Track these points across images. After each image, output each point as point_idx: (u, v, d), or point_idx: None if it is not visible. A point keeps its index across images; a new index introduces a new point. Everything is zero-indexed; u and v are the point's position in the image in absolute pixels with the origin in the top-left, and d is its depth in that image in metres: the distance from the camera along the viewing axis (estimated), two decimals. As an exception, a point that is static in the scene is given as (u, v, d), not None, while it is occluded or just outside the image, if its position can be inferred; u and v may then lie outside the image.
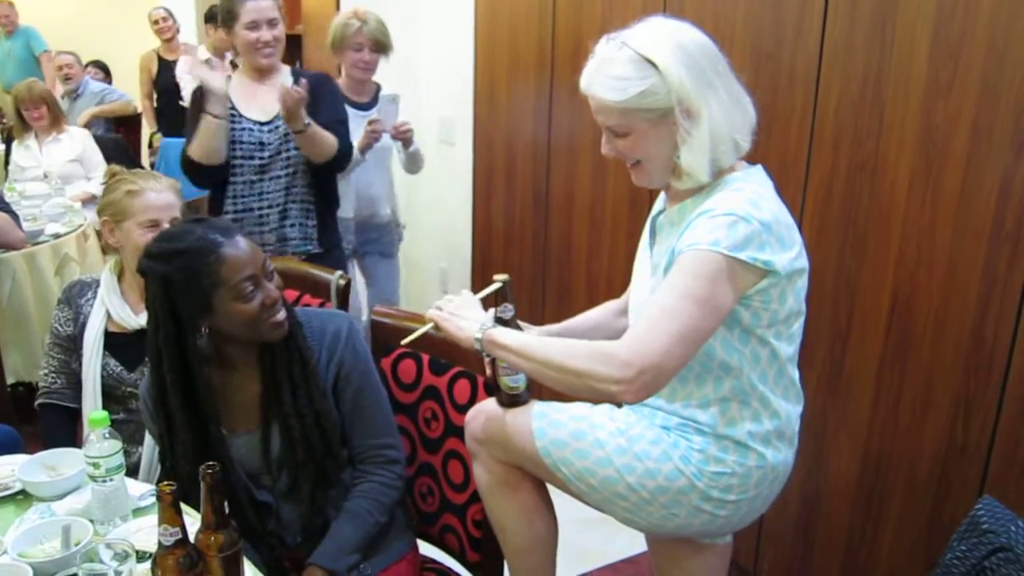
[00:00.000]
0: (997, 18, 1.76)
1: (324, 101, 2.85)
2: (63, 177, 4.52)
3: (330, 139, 2.78)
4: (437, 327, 1.67)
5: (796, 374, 1.66)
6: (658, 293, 1.47)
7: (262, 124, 2.82)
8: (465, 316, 1.63)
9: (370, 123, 3.08)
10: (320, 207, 2.92)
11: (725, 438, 1.59)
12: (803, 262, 1.55)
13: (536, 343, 1.53)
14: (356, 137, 3.06)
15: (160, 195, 2.11)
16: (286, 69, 2.93)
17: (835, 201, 2.14)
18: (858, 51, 2.05)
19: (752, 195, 1.49)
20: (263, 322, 1.63)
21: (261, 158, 2.81)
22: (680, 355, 1.42)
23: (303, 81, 2.69)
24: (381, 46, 3.26)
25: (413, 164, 3.46)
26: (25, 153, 4.58)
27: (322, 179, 2.90)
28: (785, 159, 2.24)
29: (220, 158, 2.76)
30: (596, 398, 1.49)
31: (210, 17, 5.27)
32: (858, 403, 2.16)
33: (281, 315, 1.66)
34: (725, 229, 1.44)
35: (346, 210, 3.27)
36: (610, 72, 1.51)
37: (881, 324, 2.08)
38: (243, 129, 2.82)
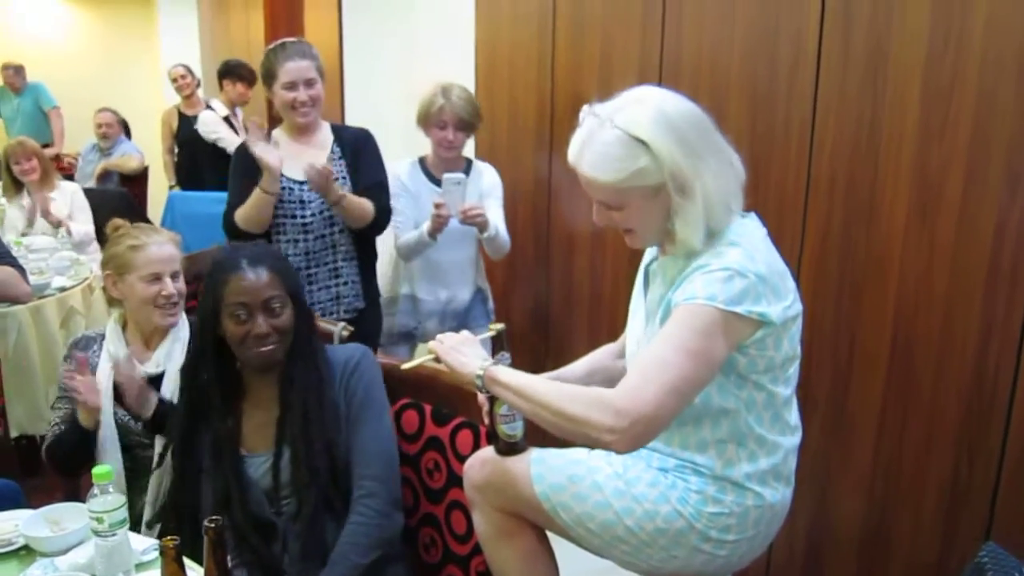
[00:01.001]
0: (986, 61, 1.80)
1: (364, 160, 2.84)
2: (57, 224, 4.55)
3: (367, 207, 2.75)
4: (438, 359, 1.68)
5: (793, 413, 1.66)
6: (653, 344, 1.48)
7: (303, 183, 2.76)
8: (466, 352, 1.64)
9: (436, 206, 2.87)
10: (364, 261, 2.91)
11: (723, 479, 1.59)
12: (797, 308, 1.57)
13: (535, 384, 1.54)
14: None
15: (161, 248, 2.17)
16: (326, 126, 2.90)
17: (832, 246, 2.16)
18: (851, 97, 2.08)
19: (747, 248, 1.51)
20: (248, 348, 1.80)
21: (303, 217, 2.78)
22: (673, 407, 1.43)
23: (328, 157, 2.71)
24: (466, 124, 3.05)
25: (492, 249, 3.09)
26: (20, 213, 4.60)
27: (363, 234, 2.86)
28: (782, 205, 2.26)
29: (265, 227, 2.79)
30: (590, 444, 1.50)
31: (225, 72, 5.36)
32: (861, 445, 2.16)
33: (267, 349, 1.79)
34: (721, 284, 1.46)
35: (421, 291, 3.15)
36: (600, 151, 1.51)
37: (882, 366, 2.08)
38: (284, 188, 2.77)
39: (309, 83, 2.74)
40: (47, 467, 2.19)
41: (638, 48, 2.74)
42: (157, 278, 2.13)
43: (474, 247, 3.17)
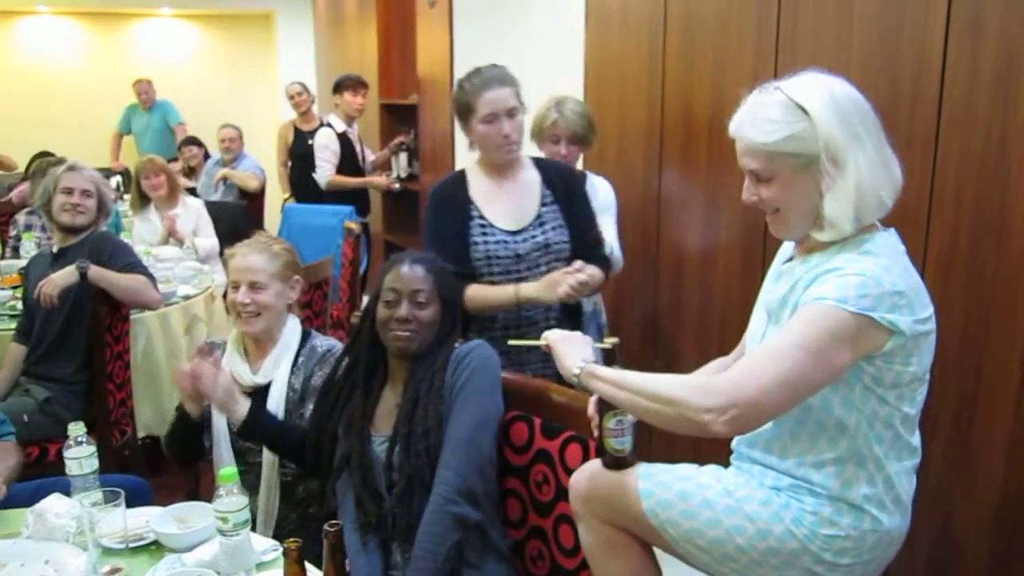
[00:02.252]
0: None
1: (577, 199, 2.54)
2: (183, 239, 4.77)
3: (600, 275, 2.42)
4: (549, 347, 1.76)
5: (916, 435, 1.60)
6: (774, 337, 1.47)
7: (515, 234, 2.46)
8: (575, 346, 1.71)
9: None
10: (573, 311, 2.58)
11: (840, 500, 1.54)
12: (931, 326, 1.52)
13: (633, 375, 1.54)
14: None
15: (245, 258, 2.26)
16: (528, 161, 2.57)
17: (958, 265, 2.08)
18: (979, 110, 2.00)
19: (884, 261, 1.48)
20: (389, 330, 1.96)
21: (518, 272, 2.44)
22: (778, 399, 1.40)
23: (540, 199, 2.45)
24: (579, 138, 2.95)
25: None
26: (146, 226, 4.85)
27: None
28: (904, 223, 2.16)
29: None
30: (687, 431, 1.46)
31: (338, 86, 5.54)
32: (987, 473, 2.06)
33: (403, 335, 1.94)
34: (855, 288, 1.43)
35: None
36: (761, 115, 1.53)
37: (1011, 393, 1.98)
38: (498, 242, 2.44)
39: (511, 113, 2.42)
40: (167, 459, 2.33)
41: (752, 59, 2.70)
42: (235, 287, 2.23)
43: None
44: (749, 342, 1.75)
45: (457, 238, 2.43)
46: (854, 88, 1.54)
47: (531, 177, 2.52)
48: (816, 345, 1.41)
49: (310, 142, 5.75)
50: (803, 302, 1.48)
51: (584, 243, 2.49)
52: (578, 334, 1.78)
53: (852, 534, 1.54)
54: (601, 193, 3.03)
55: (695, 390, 1.43)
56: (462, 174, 2.57)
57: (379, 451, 1.96)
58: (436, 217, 2.52)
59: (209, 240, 4.79)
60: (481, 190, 2.50)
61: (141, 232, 4.83)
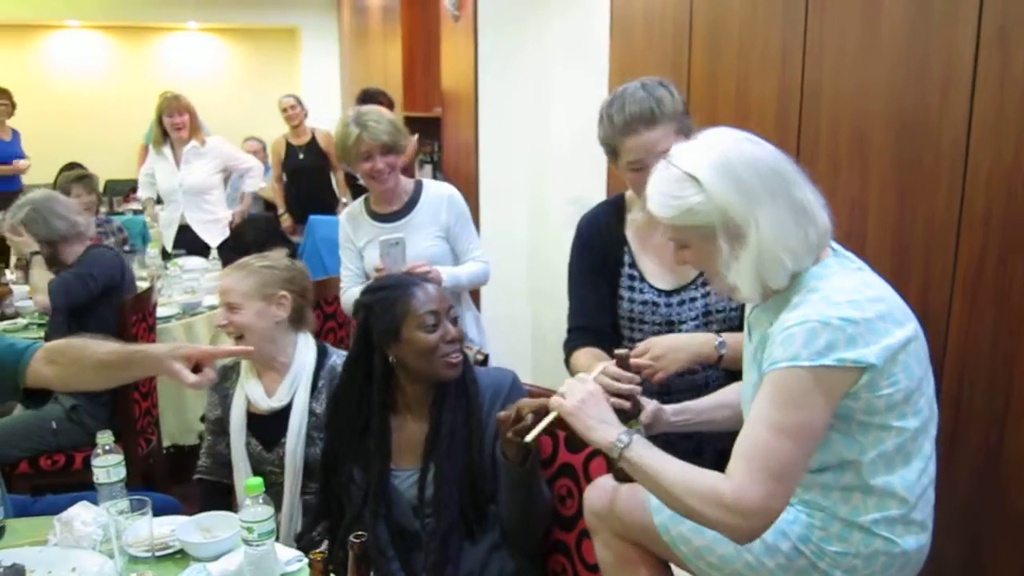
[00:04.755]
0: None
1: None
2: (201, 188, 4.86)
3: None
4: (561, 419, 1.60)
5: (929, 442, 1.56)
6: (749, 425, 1.44)
7: (669, 294, 2.08)
8: (593, 415, 1.55)
9: (376, 269, 2.65)
10: None
11: (848, 522, 1.52)
12: (904, 334, 1.46)
13: (660, 467, 1.47)
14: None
15: (224, 280, 2.28)
16: None
17: (987, 279, 2.05)
18: (1010, 121, 1.98)
19: (827, 292, 1.45)
20: (440, 356, 1.85)
21: (668, 329, 2.07)
22: (784, 492, 1.40)
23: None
24: (391, 147, 2.74)
25: (464, 290, 2.90)
26: (163, 163, 4.89)
27: None
28: (931, 240, 2.16)
29: None
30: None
31: (363, 99, 5.57)
32: (1018, 491, 2.02)
33: (457, 356, 1.86)
34: (802, 339, 1.40)
35: None
36: (659, 189, 1.53)
37: (1043, 409, 1.95)
38: (645, 303, 2.08)
39: (663, 156, 1.83)
40: (198, 495, 2.32)
41: (777, 74, 2.69)
42: (225, 307, 2.23)
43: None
44: (745, 392, 1.69)
45: (602, 286, 2.09)
46: (758, 143, 1.52)
47: None
48: (790, 423, 1.39)
49: (301, 156, 5.80)
50: (764, 368, 1.46)
51: None
52: (588, 391, 1.57)
53: (863, 552, 1.51)
54: (446, 206, 2.84)
55: (712, 505, 1.39)
56: (620, 201, 2.16)
57: (404, 487, 1.90)
58: (580, 255, 2.18)
59: (249, 162, 4.99)
60: (636, 230, 2.11)
61: (156, 169, 4.91)
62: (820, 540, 1.52)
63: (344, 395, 1.96)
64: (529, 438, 1.65)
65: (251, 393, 2.24)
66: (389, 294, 1.90)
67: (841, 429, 1.48)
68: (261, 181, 5.47)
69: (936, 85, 2.15)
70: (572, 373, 2.08)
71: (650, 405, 1.77)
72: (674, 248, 1.60)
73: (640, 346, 1.91)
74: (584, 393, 1.57)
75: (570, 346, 2.15)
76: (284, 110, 6.12)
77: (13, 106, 6.51)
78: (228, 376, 2.31)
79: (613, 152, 2.02)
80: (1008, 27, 1.97)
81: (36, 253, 3.19)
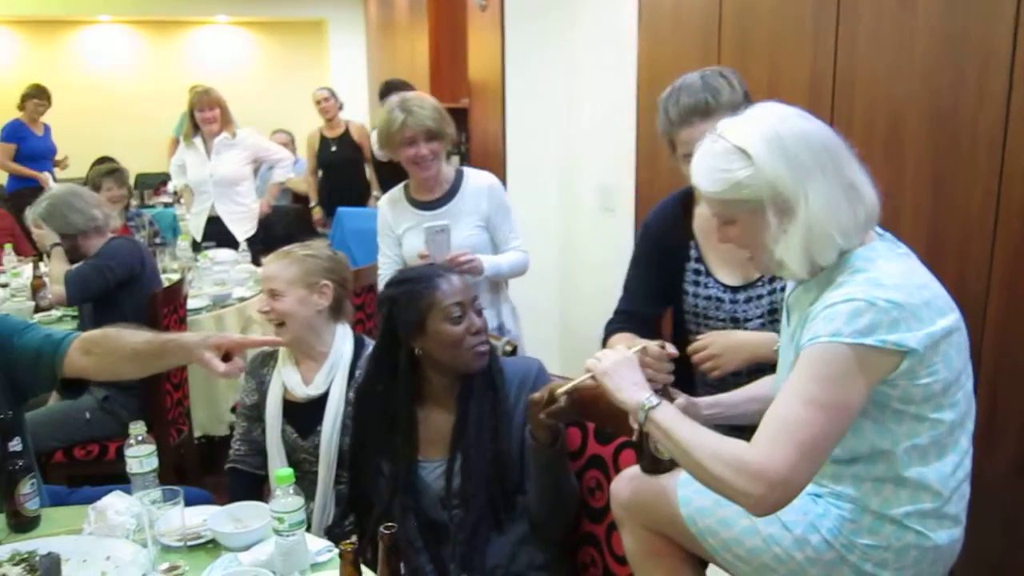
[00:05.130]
0: None
1: None
2: (231, 180, 4.88)
3: None
4: (594, 378, 1.65)
5: (965, 436, 1.53)
6: (782, 396, 1.42)
7: (736, 290, 2.04)
8: (625, 377, 1.60)
9: (420, 256, 2.61)
10: None
11: (879, 515, 1.50)
12: (947, 324, 1.44)
13: (686, 432, 1.48)
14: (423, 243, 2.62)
15: (265, 268, 2.30)
16: None
17: (1026, 270, 2.01)
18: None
19: (873, 273, 1.43)
20: (467, 347, 1.86)
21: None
22: (808, 468, 1.37)
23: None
24: (435, 133, 2.71)
25: (504, 280, 2.90)
26: (193, 155, 4.93)
27: None
28: (967, 228, 2.13)
29: None
30: (727, 499, 1.45)
31: (386, 91, 5.57)
32: (1058, 488, 1.99)
33: (483, 347, 1.86)
34: (845, 317, 1.38)
35: None
36: (708, 163, 1.51)
37: (1083, 402, 1.92)
38: (709, 298, 2.05)
39: None
40: (228, 483, 2.34)
41: (809, 62, 2.65)
42: (268, 293, 2.24)
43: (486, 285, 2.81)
44: (778, 380, 1.69)
45: (663, 278, 2.07)
46: (807, 118, 1.50)
47: None
48: (825, 397, 1.37)
49: (334, 149, 5.80)
50: (801, 344, 1.44)
51: None
52: (622, 355, 1.63)
53: (894, 545, 1.49)
54: (485, 195, 2.82)
55: (735, 470, 1.38)
56: (688, 194, 2.12)
57: (431, 478, 1.91)
58: (642, 244, 2.16)
59: (280, 153, 5.06)
60: (703, 223, 2.06)
61: (187, 159, 4.95)
62: (850, 533, 1.50)
63: (370, 389, 1.97)
64: (561, 391, 1.70)
65: (288, 380, 2.25)
66: (413, 287, 1.90)
67: (875, 417, 1.46)
68: (291, 172, 5.48)
69: (973, 75, 2.11)
70: None
71: (680, 397, 1.76)
72: (718, 225, 1.58)
73: (701, 340, 1.92)
74: (620, 357, 1.62)
75: (610, 328, 2.15)
76: (318, 102, 6.12)
77: (49, 104, 6.60)
78: (265, 363, 2.33)
79: (671, 144, 2.00)
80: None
81: (56, 245, 3.24)
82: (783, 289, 1.96)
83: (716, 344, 1.93)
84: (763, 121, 1.49)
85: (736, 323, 2.02)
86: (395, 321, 1.90)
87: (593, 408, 1.92)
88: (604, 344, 2.15)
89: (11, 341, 1.96)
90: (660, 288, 2.12)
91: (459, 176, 2.85)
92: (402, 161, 2.75)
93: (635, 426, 1.67)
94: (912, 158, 2.25)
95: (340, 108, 6.22)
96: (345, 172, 6.10)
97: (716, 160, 1.49)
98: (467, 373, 1.89)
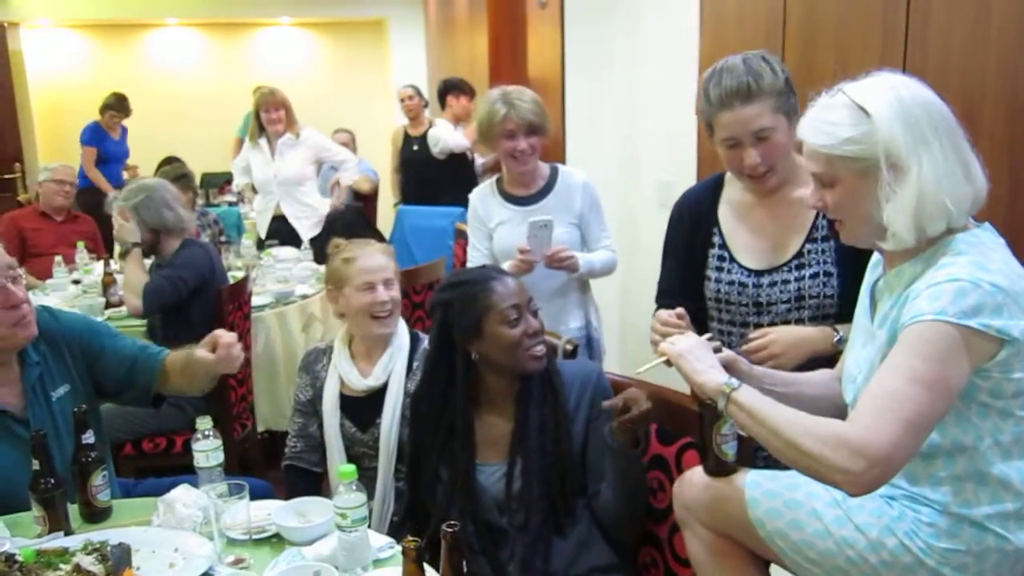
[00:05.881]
0: None
1: None
2: (295, 180, 4.95)
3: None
4: (669, 362, 1.63)
5: None
6: (883, 373, 1.39)
7: (759, 275, 1.98)
8: (701, 359, 1.59)
9: (520, 251, 2.57)
10: None
11: (959, 516, 1.45)
12: None
13: (771, 409, 1.46)
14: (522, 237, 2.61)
15: (372, 259, 2.28)
16: (805, 174, 1.74)
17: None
18: None
19: (978, 257, 1.39)
20: (524, 350, 1.84)
21: (759, 325, 1.99)
22: (910, 445, 1.33)
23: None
24: (536, 128, 2.70)
25: (594, 278, 2.91)
26: (258, 156, 5.02)
27: None
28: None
29: None
30: (819, 480, 1.41)
31: (445, 89, 5.60)
32: None
33: (541, 349, 1.85)
34: (951, 296, 1.35)
35: None
36: (822, 117, 1.48)
37: None
38: (731, 283, 2.01)
39: (762, 136, 1.87)
40: (286, 480, 2.36)
41: (878, 55, 2.58)
42: (371, 287, 2.23)
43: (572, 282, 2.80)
44: (848, 365, 1.66)
45: (689, 264, 2.07)
46: (927, 89, 1.47)
47: (806, 196, 1.86)
48: (930, 375, 1.33)
49: (415, 147, 5.82)
50: (902, 323, 1.40)
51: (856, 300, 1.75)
52: (695, 339, 1.65)
53: (974, 548, 1.45)
54: (579, 193, 2.80)
55: (832, 446, 1.34)
56: (719, 181, 2.12)
57: (489, 482, 1.90)
58: (672, 231, 2.17)
59: (343, 154, 5.12)
60: (732, 208, 2.06)
61: (251, 159, 5.04)
62: (928, 536, 1.46)
63: (427, 394, 1.96)
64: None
65: (346, 374, 2.26)
66: (469, 290, 1.88)
67: (959, 410, 1.42)
68: (356, 173, 5.52)
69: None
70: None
71: (724, 351, 1.71)
72: (814, 188, 1.55)
73: (760, 341, 1.87)
74: (694, 340, 1.63)
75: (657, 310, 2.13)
76: (402, 100, 6.14)
77: (125, 115, 6.79)
78: (319, 359, 2.35)
79: (710, 128, 1.97)
80: None
81: (137, 245, 3.26)
82: (813, 276, 1.94)
83: (778, 342, 1.87)
84: (885, 82, 1.47)
85: (759, 307, 1.98)
86: (451, 325, 1.89)
87: (656, 406, 1.90)
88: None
89: (103, 346, 2.06)
90: (687, 273, 2.11)
91: (554, 172, 2.84)
92: (500, 154, 2.75)
93: (706, 424, 1.63)
94: (987, 150, 2.15)
95: (425, 106, 6.23)
96: (427, 170, 6.11)
97: (831, 114, 1.47)
98: (525, 376, 1.88)
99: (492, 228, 2.82)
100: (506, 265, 2.53)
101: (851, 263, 1.83)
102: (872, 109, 1.43)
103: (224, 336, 1.94)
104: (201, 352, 1.95)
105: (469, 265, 2.81)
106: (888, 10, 2.51)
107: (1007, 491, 1.44)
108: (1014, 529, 1.46)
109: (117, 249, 3.88)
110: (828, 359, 1.85)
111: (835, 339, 1.86)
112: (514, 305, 1.85)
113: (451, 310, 1.88)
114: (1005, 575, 1.49)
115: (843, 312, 1.87)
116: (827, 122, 1.47)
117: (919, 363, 1.34)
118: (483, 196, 2.88)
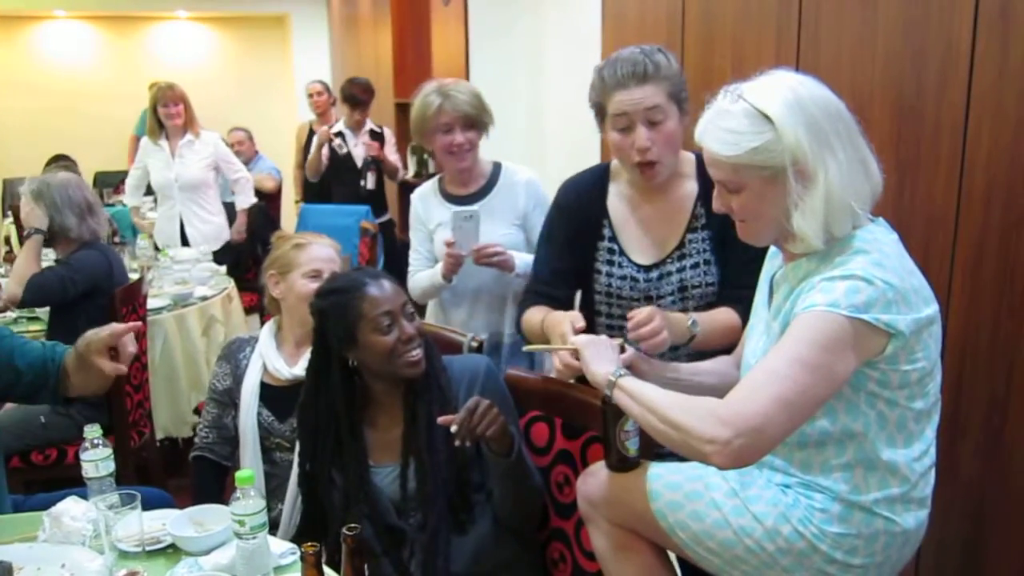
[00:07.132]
0: None
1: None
2: (195, 184, 4.77)
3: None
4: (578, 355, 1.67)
5: (931, 427, 1.54)
6: (767, 356, 1.42)
7: (648, 269, 2.01)
8: (600, 353, 1.63)
9: (446, 243, 2.44)
10: None
11: (850, 503, 1.50)
12: (930, 312, 1.46)
13: (652, 391, 1.50)
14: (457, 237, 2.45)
15: (324, 249, 2.29)
16: (690, 168, 2.01)
17: (988, 260, 2.03)
18: (1008, 102, 1.95)
19: (875, 256, 1.43)
20: (398, 357, 1.80)
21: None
22: (782, 422, 1.36)
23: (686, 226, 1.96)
24: (474, 121, 2.55)
25: None
26: (157, 157, 4.82)
27: None
28: (931, 216, 2.14)
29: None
30: (692, 457, 1.44)
31: (344, 97, 5.45)
32: (1021, 475, 2.01)
33: (416, 354, 1.81)
34: (844, 290, 1.38)
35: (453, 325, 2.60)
36: (723, 124, 1.46)
37: (1045, 390, 1.93)
38: (623, 278, 2.02)
39: (652, 117, 1.86)
40: (193, 472, 2.29)
41: (772, 58, 2.66)
42: (317, 275, 2.20)
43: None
44: (745, 353, 1.70)
45: (572, 253, 2.05)
46: (824, 87, 1.48)
47: (687, 190, 1.97)
48: (813, 358, 1.36)
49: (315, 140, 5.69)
50: (795, 313, 1.43)
51: (734, 286, 1.90)
52: (604, 338, 1.69)
53: (864, 532, 1.50)
54: (522, 192, 2.64)
55: (701, 418, 1.37)
56: (605, 172, 2.10)
57: (385, 484, 1.87)
58: (554, 222, 2.13)
59: (239, 172, 4.90)
60: (622, 202, 2.04)
61: (150, 161, 4.84)
62: (821, 522, 1.50)
63: (312, 404, 1.90)
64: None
65: (272, 362, 2.21)
66: (339, 299, 1.83)
67: (848, 398, 1.46)
68: (252, 196, 5.23)
69: (935, 66, 2.12)
70: (526, 330, 2.07)
71: (629, 350, 1.72)
72: (717, 193, 1.55)
73: (642, 314, 1.75)
74: (599, 339, 1.69)
75: (523, 306, 2.11)
76: (310, 95, 5.99)
77: None
78: (243, 348, 2.29)
79: (601, 112, 1.94)
80: (1007, 6, 1.94)
81: (40, 232, 3.11)
82: (694, 266, 1.98)
83: (658, 315, 1.76)
84: (783, 84, 1.46)
85: (649, 300, 1.99)
86: (327, 333, 1.85)
87: (560, 401, 1.91)
88: (518, 322, 2.13)
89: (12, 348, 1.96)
90: (571, 268, 2.08)
91: (496, 169, 2.67)
92: (437, 151, 2.59)
93: (611, 421, 1.65)
94: (876, 146, 2.26)
95: (333, 103, 6.07)
96: (333, 167, 5.97)
97: (732, 122, 1.45)
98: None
99: (432, 230, 2.64)
100: (438, 265, 2.47)
101: (730, 249, 1.88)
102: (774, 115, 1.42)
103: (117, 327, 1.86)
104: (100, 361, 1.84)
105: (411, 270, 2.70)
106: (782, 11, 2.59)
107: (894, 476, 1.49)
108: (901, 512, 1.51)
109: (2, 252, 3.70)
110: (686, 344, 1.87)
111: (688, 323, 1.84)
112: (386, 312, 1.80)
113: (326, 318, 1.84)
114: (894, 556, 1.54)
115: (722, 298, 1.94)
116: (730, 131, 1.45)
117: (803, 347, 1.37)
118: (424, 196, 2.70)
